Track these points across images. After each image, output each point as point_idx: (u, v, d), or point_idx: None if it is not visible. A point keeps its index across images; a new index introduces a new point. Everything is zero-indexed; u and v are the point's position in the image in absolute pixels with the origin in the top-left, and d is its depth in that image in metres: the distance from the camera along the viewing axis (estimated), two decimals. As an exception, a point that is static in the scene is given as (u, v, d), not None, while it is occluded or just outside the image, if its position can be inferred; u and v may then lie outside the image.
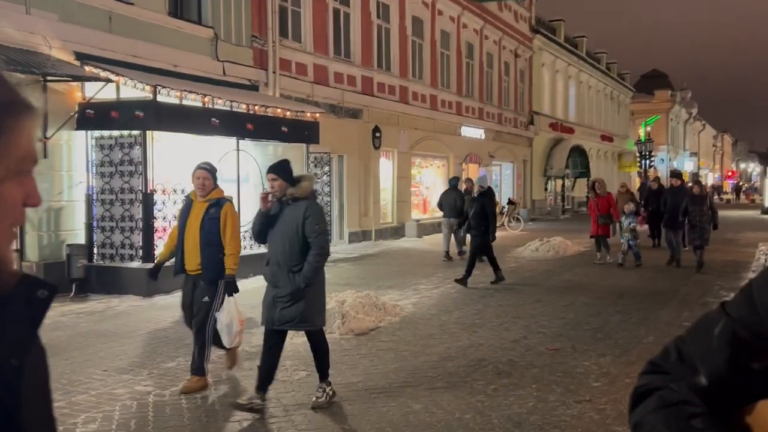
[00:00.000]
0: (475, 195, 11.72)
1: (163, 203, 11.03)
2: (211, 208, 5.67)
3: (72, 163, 10.79)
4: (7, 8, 9.74)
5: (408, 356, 6.79)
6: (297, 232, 5.01)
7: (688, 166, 60.13)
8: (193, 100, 11.25)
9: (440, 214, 15.97)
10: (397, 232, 20.44)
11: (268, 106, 13.06)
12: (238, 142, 12.46)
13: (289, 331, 5.32)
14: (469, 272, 11.20)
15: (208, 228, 5.62)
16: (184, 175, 8.91)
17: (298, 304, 5.06)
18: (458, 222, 14.84)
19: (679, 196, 13.56)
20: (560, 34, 36.53)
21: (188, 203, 5.86)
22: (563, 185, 35.97)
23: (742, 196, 59.60)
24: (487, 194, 11.43)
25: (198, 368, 5.63)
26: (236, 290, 5.72)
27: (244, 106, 12.33)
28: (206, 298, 5.64)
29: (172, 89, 10.76)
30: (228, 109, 11.98)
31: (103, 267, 10.72)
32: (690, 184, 14.20)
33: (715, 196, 46.28)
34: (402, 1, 21.05)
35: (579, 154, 35.18)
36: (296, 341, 7.27)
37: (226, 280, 5.65)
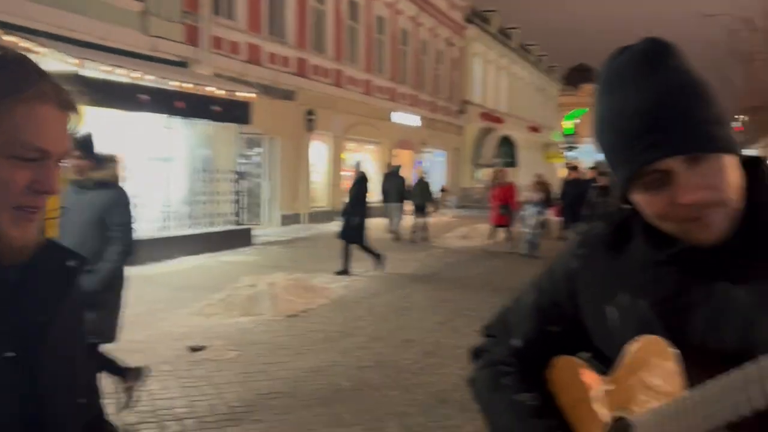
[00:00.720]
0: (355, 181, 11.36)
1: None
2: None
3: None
4: None
5: (338, 337, 6.91)
6: (99, 223, 4.06)
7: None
8: (119, 75, 10.92)
9: (376, 199, 16.18)
10: (330, 215, 20.46)
11: (200, 84, 12.81)
12: (167, 121, 12.20)
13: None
14: (375, 253, 11.11)
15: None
16: (110, 152, 8.66)
17: (89, 312, 4.16)
18: (398, 206, 15.19)
19: (579, 187, 13.50)
20: (494, 24, 37.19)
21: None
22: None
23: None
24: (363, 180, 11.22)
25: None
26: None
27: (174, 83, 12.06)
28: None
29: (100, 63, 10.41)
30: (157, 86, 11.69)
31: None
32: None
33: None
34: (338, -17, 21.00)
35: (507, 144, 36.06)
36: (227, 322, 7.28)
37: None
